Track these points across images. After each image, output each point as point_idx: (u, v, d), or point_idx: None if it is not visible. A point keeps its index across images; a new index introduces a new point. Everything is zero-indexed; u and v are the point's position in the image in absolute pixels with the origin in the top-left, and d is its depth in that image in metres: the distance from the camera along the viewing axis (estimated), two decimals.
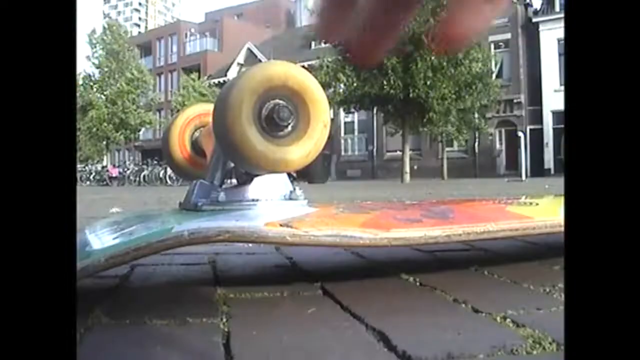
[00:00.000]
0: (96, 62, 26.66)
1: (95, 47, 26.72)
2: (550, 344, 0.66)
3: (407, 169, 16.53)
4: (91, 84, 26.70)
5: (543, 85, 23.05)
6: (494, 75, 18.46)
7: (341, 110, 20.01)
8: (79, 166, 22.65)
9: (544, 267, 1.24)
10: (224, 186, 1.12)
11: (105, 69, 26.27)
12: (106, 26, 27.44)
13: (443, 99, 15.38)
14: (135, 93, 25.91)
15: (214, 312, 0.85)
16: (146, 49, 39.18)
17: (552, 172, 21.38)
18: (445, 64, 15.38)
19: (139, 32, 63.63)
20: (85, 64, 27.93)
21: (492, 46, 21.26)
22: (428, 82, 15.17)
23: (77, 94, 24.22)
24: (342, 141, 28.24)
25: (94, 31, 27.11)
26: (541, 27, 23.14)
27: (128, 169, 22.04)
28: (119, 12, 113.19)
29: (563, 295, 0.90)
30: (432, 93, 15.25)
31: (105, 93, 26.28)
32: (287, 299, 0.95)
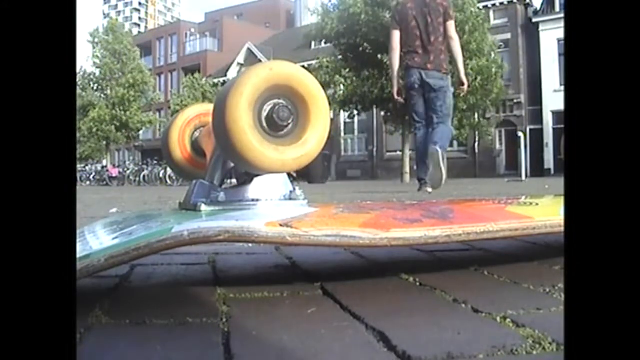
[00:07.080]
0: (97, 61, 26.60)
1: (97, 46, 26.66)
2: (550, 344, 0.66)
3: (407, 169, 16.54)
4: (91, 83, 26.65)
5: (543, 85, 23.05)
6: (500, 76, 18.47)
7: (341, 110, 20.03)
8: (79, 166, 22.65)
9: (544, 267, 1.24)
10: (224, 186, 1.12)
11: (106, 69, 26.21)
12: (108, 25, 27.39)
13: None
14: (136, 97, 25.87)
15: (214, 312, 0.85)
16: (146, 49, 39.20)
17: (552, 172, 21.39)
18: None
19: (139, 32, 63.62)
20: (87, 63, 27.84)
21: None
22: None
23: (77, 93, 24.15)
24: (342, 141, 28.25)
25: (97, 30, 27.06)
26: (541, 27, 23.15)
27: (128, 169, 22.05)
28: (119, 12, 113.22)
29: (563, 295, 0.90)
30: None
31: (106, 93, 26.24)
32: (287, 299, 0.95)
